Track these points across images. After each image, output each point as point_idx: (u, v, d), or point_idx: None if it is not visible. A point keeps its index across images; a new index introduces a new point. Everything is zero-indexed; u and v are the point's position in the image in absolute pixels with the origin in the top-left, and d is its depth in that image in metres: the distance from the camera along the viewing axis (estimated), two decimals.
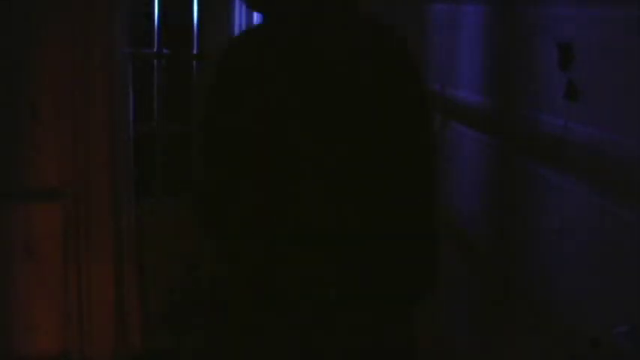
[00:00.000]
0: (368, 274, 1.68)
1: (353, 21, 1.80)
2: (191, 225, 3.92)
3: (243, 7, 4.00)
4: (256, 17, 3.98)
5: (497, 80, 3.08)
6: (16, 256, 3.63)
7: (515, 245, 2.95)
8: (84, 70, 3.62)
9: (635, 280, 2.17)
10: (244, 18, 3.98)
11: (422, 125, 1.72)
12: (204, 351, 2.72)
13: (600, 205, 2.36)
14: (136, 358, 3.80)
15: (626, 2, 2.22)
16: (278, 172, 1.71)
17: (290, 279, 1.69)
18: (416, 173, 1.70)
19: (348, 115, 1.65)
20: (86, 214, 3.66)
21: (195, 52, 3.97)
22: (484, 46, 3.17)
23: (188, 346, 3.91)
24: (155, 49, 3.89)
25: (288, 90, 1.71)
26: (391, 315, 1.74)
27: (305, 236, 1.69)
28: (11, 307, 3.64)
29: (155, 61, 3.91)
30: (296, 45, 1.74)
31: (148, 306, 3.87)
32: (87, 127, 3.64)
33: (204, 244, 3.29)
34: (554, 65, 2.56)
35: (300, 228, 1.69)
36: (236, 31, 3.90)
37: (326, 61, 1.70)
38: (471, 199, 3.31)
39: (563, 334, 2.52)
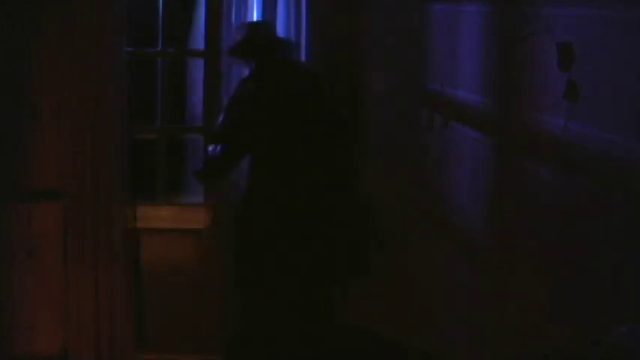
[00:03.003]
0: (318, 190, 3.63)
1: (299, 67, 3.79)
2: (190, 225, 3.92)
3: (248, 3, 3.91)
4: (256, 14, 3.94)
5: (498, 80, 3.08)
6: (16, 256, 3.63)
7: (514, 244, 2.96)
8: (84, 70, 3.62)
9: (634, 280, 2.18)
10: (250, 14, 3.88)
11: (342, 133, 3.79)
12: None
13: (600, 205, 2.36)
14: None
15: (627, 2, 2.23)
16: (282, 152, 3.57)
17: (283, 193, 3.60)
18: (338, 154, 3.73)
19: (309, 126, 3.60)
20: (86, 214, 3.66)
21: (203, 48, 3.85)
22: (484, 46, 3.17)
23: None
24: (159, 47, 3.84)
25: (285, 111, 3.56)
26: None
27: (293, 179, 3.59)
28: (11, 307, 3.64)
29: (159, 59, 3.87)
30: (284, 86, 3.60)
31: (146, 306, 3.87)
32: (87, 127, 3.64)
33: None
34: (554, 65, 2.57)
35: (292, 176, 3.58)
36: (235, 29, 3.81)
37: (298, 95, 3.60)
38: (471, 198, 3.31)
39: (563, 334, 2.52)
